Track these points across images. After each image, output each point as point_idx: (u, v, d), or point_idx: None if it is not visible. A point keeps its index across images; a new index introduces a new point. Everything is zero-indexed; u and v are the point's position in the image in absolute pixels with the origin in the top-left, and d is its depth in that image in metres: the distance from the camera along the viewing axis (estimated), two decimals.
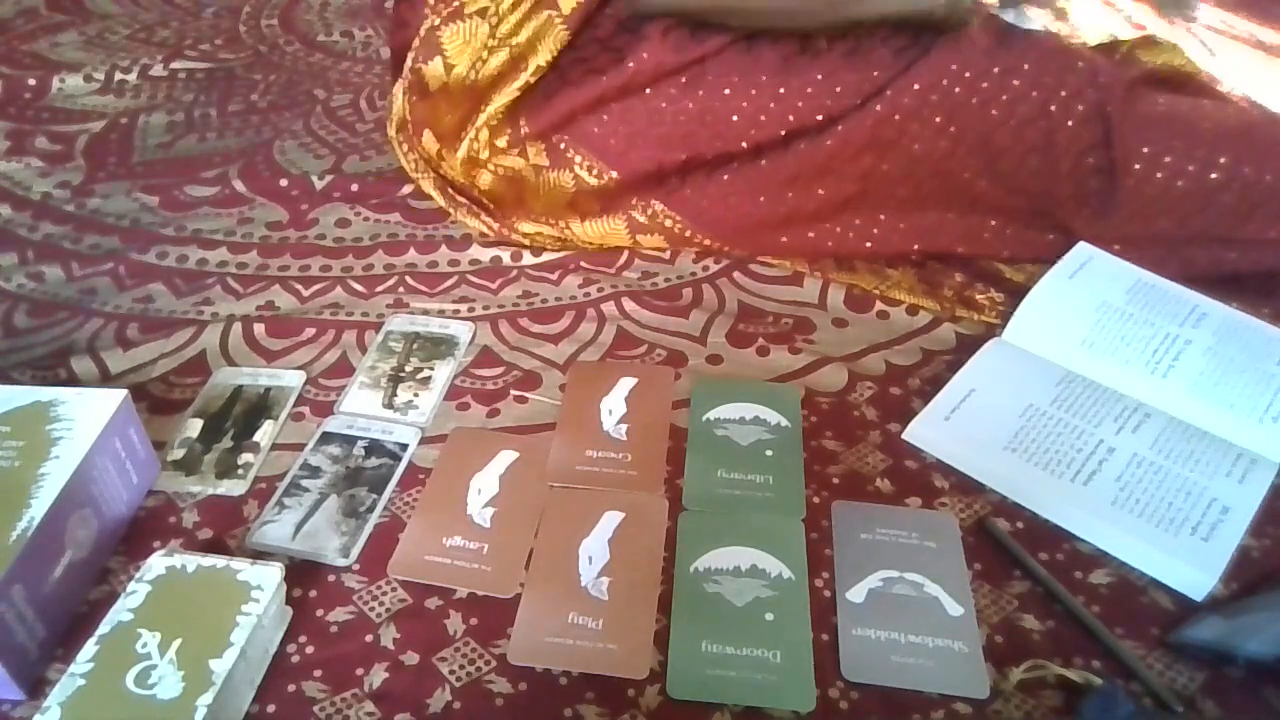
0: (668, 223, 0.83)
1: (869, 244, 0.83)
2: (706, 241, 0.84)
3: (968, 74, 0.75)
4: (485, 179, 0.87)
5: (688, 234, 0.83)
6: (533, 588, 0.58)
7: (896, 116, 0.76)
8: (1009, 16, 0.81)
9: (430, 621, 0.56)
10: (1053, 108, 0.74)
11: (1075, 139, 0.75)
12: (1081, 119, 0.74)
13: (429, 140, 0.87)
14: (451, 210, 0.87)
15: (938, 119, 0.76)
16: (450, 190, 0.87)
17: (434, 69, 0.85)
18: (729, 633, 0.55)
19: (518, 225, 0.85)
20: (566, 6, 0.80)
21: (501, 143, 0.83)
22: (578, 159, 0.83)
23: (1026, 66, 0.74)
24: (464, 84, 0.84)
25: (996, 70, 0.74)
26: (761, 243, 0.84)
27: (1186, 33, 1.18)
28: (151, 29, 1.29)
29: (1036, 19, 1.22)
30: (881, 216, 0.82)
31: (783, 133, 0.78)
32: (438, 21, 0.84)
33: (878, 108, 0.75)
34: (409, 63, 0.87)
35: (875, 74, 0.76)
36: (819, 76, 0.77)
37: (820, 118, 0.77)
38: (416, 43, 0.86)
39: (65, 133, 1.06)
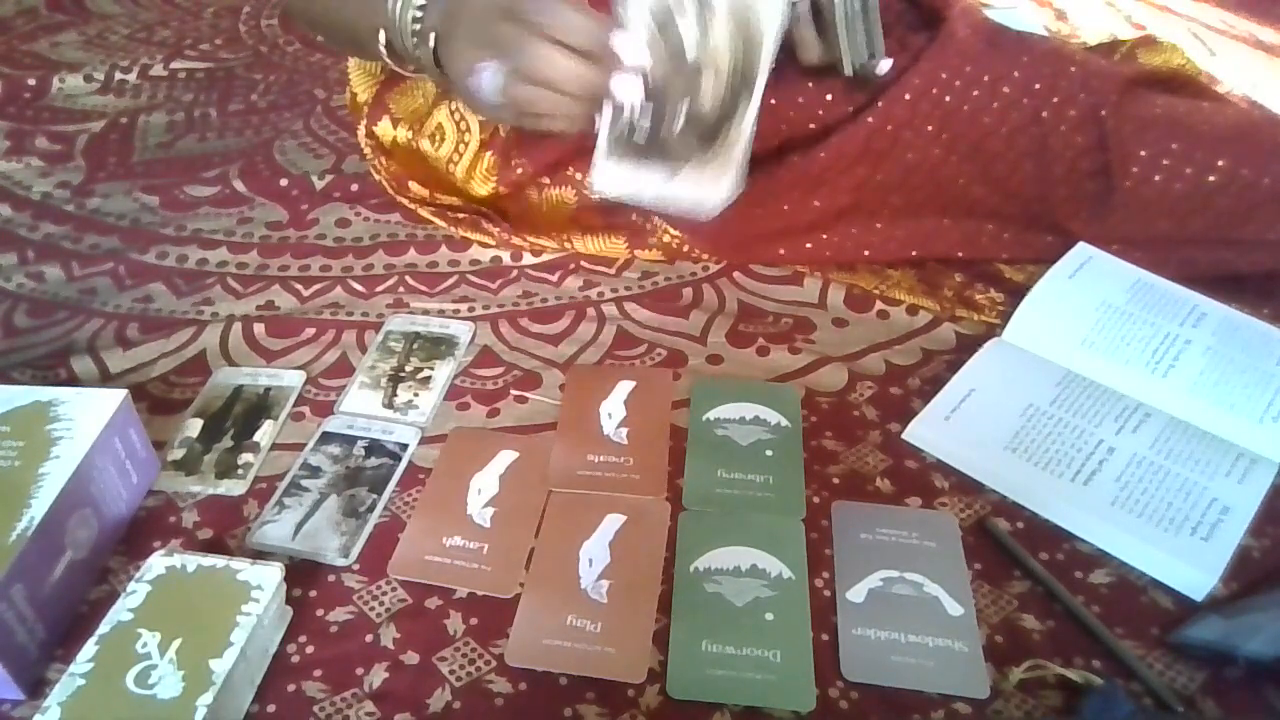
0: (665, 237, 0.83)
1: (867, 252, 0.82)
2: (704, 255, 0.84)
3: (958, 82, 0.75)
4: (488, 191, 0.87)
5: (685, 248, 0.84)
6: (532, 590, 0.58)
7: (889, 126, 0.76)
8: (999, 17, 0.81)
9: (430, 621, 0.56)
10: (1044, 113, 0.74)
11: (1068, 143, 0.75)
12: (1074, 123, 0.74)
13: (416, 188, 0.89)
14: (454, 229, 0.87)
15: (930, 128, 0.76)
16: (449, 212, 0.88)
17: (384, 129, 0.86)
18: (729, 633, 0.55)
19: (521, 237, 0.86)
20: None
21: (486, 190, 0.85)
22: (579, 175, 0.83)
23: (1017, 73, 0.74)
24: (410, 145, 0.85)
25: (987, 78, 0.74)
26: (758, 254, 0.84)
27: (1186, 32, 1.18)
28: (151, 29, 1.29)
29: (1035, 19, 1.22)
30: (878, 225, 0.82)
31: (776, 144, 0.78)
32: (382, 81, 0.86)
33: (870, 119, 0.75)
34: (363, 128, 0.88)
35: None
36: (809, 85, 0.77)
37: (813, 126, 0.77)
38: (365, 107, 0.87)
39: (65, 133, 1.06)
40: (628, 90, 0.58)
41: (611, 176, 0.60)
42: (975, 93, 0.75)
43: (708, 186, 0.60)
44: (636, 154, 0.60)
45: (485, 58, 0.58)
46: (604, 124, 0.59)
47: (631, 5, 0.57)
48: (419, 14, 0.63)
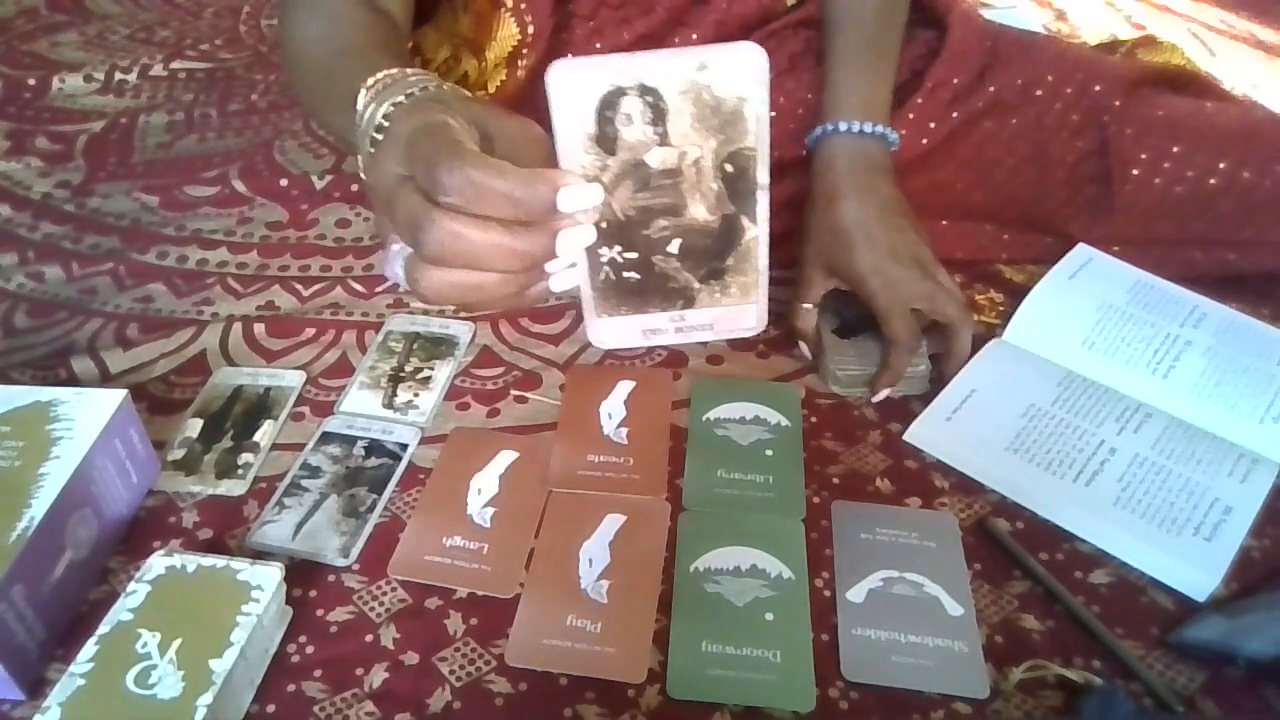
0: None
1: None
2: None
3: (958, 87, 0.75)
4: None
5: None
6: (532, 590, 0.58)
7: None
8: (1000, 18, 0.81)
9: (430, 621, 0.56)
10: (1046, 119, 0.75)
11: (1069, 148, 0.75)
12: (1076, 128, 0.74)
13: None
14: None
15: (931, 130, 0.76)
16: None
17: None
18: (729, 633, 0.55)
19: None
20: (493, 87, 0.80)
21: None
22: None
23: (1019, 79, 0.74)
24: None
25: (988, 83, 0.74)
26: None
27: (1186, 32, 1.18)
28: (151, 29, 1.29)
29: (1034, 19, 1.22)
30: None
31: (775, 155, 0.78)
32: None
33: None
34: None
35: None
36: (809, 95, 0.76)
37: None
38: None
39: (65, 133, 1.06)
40: (577, 243, 0.44)
41: (611, 332, 0.49)
42: (975, 98, 0.75)
43: (730, 322, 0.46)
44: (634, 298, 0.49)
45: (390, 232, 0.46)
46: (582, 276, 0.48)
47: (561, 132, 0.45)
48: (377, 135, 0.47)
